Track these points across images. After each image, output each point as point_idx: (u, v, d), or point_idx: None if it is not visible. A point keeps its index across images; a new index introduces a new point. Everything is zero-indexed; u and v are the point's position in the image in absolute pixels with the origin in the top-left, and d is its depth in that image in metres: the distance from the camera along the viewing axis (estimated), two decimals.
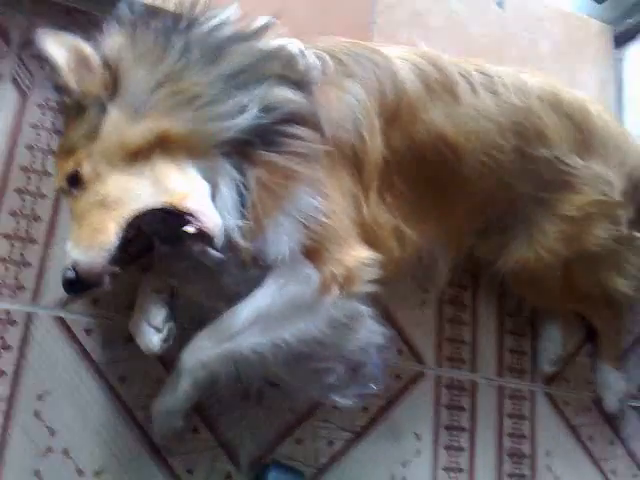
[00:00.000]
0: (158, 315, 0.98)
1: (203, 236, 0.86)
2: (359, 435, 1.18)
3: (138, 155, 0.88)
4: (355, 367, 0.98)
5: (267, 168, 0.92)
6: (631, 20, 1.60)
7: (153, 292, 1.01)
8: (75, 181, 0.90)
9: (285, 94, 0.94)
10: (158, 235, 0.93)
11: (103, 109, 0.90)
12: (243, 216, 0.93)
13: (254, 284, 0.95)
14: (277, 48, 0.99)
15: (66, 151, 0.93)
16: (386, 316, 1.16)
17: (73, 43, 0.93)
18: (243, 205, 0.93)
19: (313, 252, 0.93)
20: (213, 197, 0.92)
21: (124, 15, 0.95)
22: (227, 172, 0.92)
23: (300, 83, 0.97)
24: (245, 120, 0.90)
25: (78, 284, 0.85)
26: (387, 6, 1.39)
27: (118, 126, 0.89)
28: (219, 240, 0.86)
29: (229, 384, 0.93)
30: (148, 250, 0.99)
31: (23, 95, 1.10)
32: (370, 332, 0.98)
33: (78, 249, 0.86)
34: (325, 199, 0.94)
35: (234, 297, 0.96)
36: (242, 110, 0.90)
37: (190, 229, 0.85)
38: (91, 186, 0.89)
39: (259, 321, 0.92)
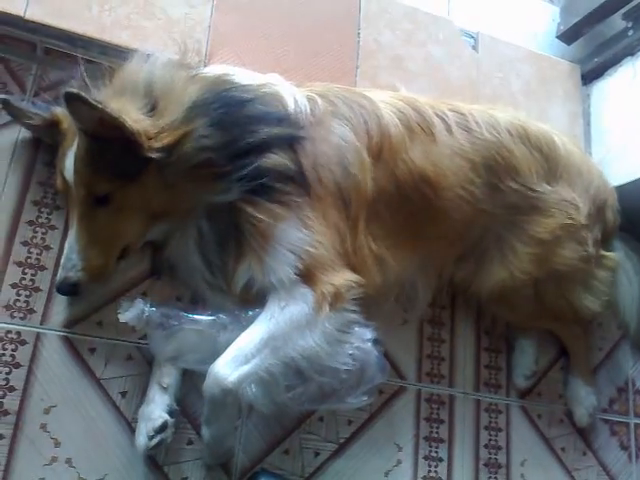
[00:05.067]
0: (157, 420, 1.04)
1: None
2: (343, 446, 1.24)
3: (153, 212, 1.06)
4: (358, 369, 1.06)
5: (257, 209, 1.04)
6: (597, 59, 1.71)
7: (159, 387, 1.09)
8: (104, 201, 1.03)
9: (276, 159, 1.05)
10: None
11: (148, 160, 1.00)
12: (220, 255, 1.07)
13: None
14: (274, 93, 1.11)
15: (102, 168, 1.01)
16: None
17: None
18: (221, 245, 1.07)
19: (306, 275, 1.04)
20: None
21: (211, 103, 1.03)
22: (193, 225, 1.08)
23: (290, 137, 1.07)
24: (241, 187, 1.04)
25: (75, 295, 1.08)
26: (370, 52, 1.50)
27: (152, 187, 1.03)
28: None
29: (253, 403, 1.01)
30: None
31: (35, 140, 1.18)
32: (362, 339, 1.07)
33: (85, 272, 1.03)
34: (311, 231, 1.05)
35: None
36: (239, 179, 1.03)
37: None
38: (115, 214, 1.03)
39: (269, 343, 1.00)
